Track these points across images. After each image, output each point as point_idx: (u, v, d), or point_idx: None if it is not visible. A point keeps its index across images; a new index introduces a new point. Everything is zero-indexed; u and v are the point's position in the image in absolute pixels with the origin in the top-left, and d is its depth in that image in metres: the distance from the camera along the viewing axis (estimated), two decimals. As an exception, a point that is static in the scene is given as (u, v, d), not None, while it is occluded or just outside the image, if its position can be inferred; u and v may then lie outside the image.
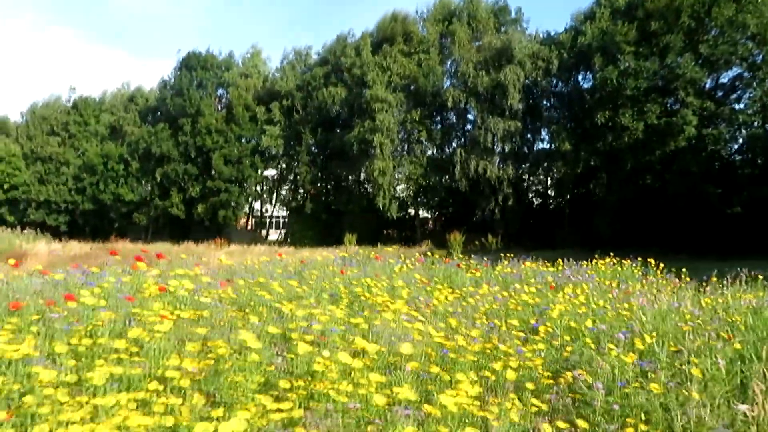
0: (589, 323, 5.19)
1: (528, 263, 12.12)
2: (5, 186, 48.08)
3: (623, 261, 12.54)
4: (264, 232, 48.40)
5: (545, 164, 34.70)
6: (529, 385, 3.68)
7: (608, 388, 3.60)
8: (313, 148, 41.02)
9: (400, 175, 37.22)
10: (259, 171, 43.45)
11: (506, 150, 34.80)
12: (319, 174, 41.55)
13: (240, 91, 43.68)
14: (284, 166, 43.41)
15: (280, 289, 5.72)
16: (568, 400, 3.66)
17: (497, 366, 3.81)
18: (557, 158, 32.56)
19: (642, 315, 5.58)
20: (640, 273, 11.77)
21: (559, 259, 13.07)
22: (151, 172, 44.73)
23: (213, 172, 42.68)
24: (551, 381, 3.98)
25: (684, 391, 3.49)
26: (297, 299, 5.63)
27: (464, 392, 3.07)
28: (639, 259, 12.99)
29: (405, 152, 37.89)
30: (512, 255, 13.57)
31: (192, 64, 45.84)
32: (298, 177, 41.49)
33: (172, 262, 8.70)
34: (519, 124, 33.31)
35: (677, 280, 10.76)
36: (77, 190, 47.35)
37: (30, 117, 52.05)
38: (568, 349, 4.62)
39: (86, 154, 47.26)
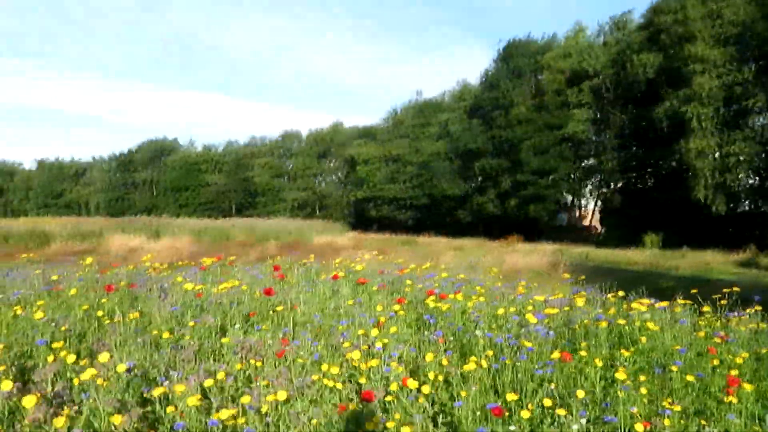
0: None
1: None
2: (369, 184, 55.50)
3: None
4: (590, 228, 43.05)
5: None
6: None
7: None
8: (624, 131, 34.27)
9: (729, 157, 27.67)
10: (567, 161, 38.75)
11: None
12: (629, 160, 34.44)
13: (554, 74, 39.80)
14: (593, 153, 37.59)
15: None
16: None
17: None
18: None
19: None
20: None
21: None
22: (470, 168, 44.90)
23: (522, 164, 40.07)
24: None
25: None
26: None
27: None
28: None
29: (733, 126, 27.94)
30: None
31: (510, 53, 44.07)
32: (606, 165, 35.32)
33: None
34: None
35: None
36: (417, 187, 51.07)
37: (390, 122, 58.82)
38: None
39: (422, 153, 50.53)
